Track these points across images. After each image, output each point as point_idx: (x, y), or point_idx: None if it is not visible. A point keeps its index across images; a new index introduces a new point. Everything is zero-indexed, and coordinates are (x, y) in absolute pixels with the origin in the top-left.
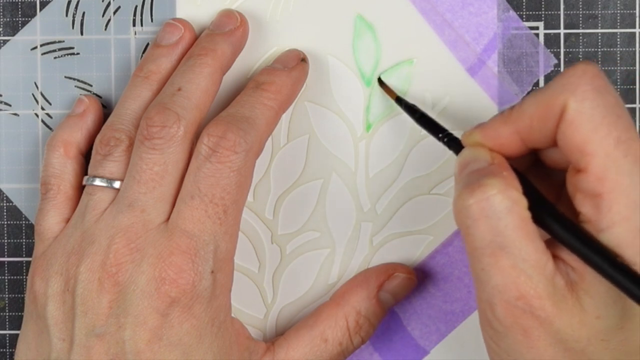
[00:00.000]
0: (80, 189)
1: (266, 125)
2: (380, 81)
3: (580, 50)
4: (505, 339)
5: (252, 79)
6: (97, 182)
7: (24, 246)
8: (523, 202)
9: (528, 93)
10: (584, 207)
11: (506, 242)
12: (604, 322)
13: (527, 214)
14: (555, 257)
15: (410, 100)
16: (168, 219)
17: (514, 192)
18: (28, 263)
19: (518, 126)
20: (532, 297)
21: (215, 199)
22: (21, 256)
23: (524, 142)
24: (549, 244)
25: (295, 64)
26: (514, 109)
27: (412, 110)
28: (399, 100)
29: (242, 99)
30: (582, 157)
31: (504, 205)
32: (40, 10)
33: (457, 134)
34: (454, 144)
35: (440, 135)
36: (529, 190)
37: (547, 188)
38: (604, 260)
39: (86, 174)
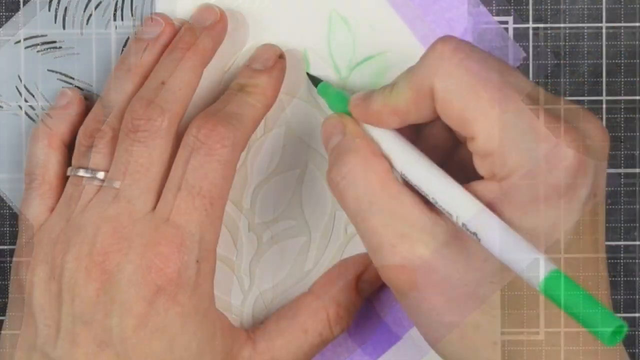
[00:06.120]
0: (64, 179)
1: (253, 123)
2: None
3: (548, 44)
4: (402, 298)
5: (235, 82)
6: (81, 172)
7: (7, 235)
8: (381, 164)
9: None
10: (482, 169)
11: (370, 205)
12: (492, 264)
13: (387, 175)
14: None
15: None
16: (154, 208)
17: (369, 159)
18: (11, 251)
19: (396, 109)
20: (407, 250)
21: (202, 190)
22: (5, 244)
23: (406, 121)
24: None
25: (274, 63)
26: (393, 91)
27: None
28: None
29: (228, 98)
30: (467, 126)
31: (360, 175)
32: (24, 5)
33: None
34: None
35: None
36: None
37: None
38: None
39: (70, 165)
